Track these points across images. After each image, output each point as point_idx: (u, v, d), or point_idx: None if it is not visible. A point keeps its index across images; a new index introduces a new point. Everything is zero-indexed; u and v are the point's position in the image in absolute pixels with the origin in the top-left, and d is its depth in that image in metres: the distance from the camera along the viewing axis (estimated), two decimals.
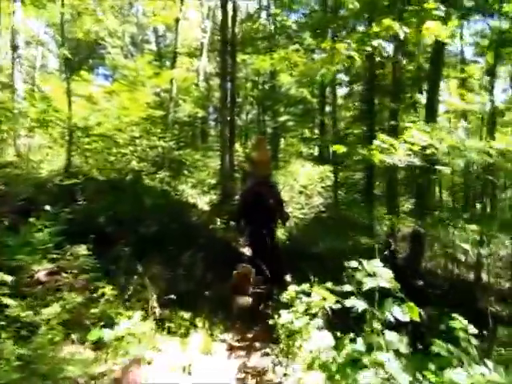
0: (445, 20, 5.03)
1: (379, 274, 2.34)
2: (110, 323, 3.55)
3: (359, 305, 2.30)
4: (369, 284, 2.29)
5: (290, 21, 19.92)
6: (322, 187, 12.15)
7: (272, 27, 21.72)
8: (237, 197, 7.85)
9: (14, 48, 11.05)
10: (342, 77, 15.35)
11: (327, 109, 20.09)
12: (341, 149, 5.61)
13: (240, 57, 23.40)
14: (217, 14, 20.80)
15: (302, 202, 11.66)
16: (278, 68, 22.45)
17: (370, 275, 2.35)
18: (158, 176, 11.23)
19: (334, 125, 11.74)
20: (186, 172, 12.85)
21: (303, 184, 12.07)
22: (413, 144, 4.89)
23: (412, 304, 2.27)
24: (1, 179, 6.72)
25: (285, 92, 22.51)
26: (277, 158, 22.44)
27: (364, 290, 2.35)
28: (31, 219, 4.87)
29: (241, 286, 5.68)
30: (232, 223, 8.46)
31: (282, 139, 25.50)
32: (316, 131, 25.03)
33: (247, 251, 7.91)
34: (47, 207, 5.19)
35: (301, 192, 11.91)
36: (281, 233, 8.31)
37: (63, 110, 8.25)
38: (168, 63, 18.57)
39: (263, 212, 6.39)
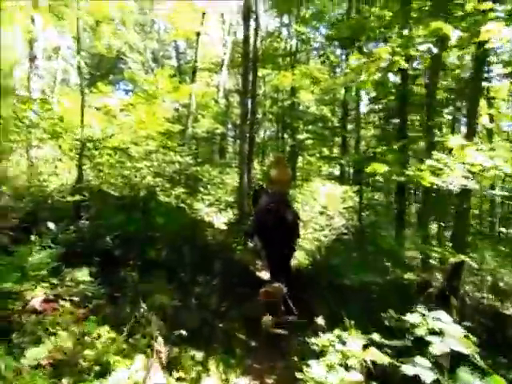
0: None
1: (448, 332, 1.79)
2: (107, 369, 3.02)
3: (427, 375, 1.73)
4: (438, 348, 1.73)
5: (312, 35, 19.69)
6: (345, 208, 11.55)
7: (294, 43, 21.49)
8: (252, 216, 7.19)
9: (32, 59, 10.86)
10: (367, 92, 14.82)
11: (349, 126, 19.56)
12: (380, 168, 5.04)
13: (261, 71, 23.23)
14: (238, 30, 20.60)
15: (322, 222, 11.07)
16: (298, 85, 22.25)
17: (434, 333, 1.80)
18: (173, 192, 10.81)
19: (357, 143, 11.14)
20: (202, 189, 12.42)
21: (324, 204, 11.49)
22: (472, 165, 4.31)
23: (499, 378, 1.68)
24: (7, 191, 6.32)
25: (304, 109, 22.14)
26: (295, 177, 22.02)
27: (427, 349, 1.79)
28: (32, 237, 4.43)
29: (271, 304, 5.18)
30: (250, 244, 7.96)
31: (301, 157, 24.98)
32: (336, 150, 24.65)
33: (264, 275, 7.37)
34: (50, 224, 4.74)
35: (321, 212, 11.33)
36: (303, 256, 7.75)
37: (77, 123, 7.92)
38: (188, 79, 18.36)
39: (284, 232, 6.00)
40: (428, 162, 4.72)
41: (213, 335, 4.31)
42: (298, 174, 23.31)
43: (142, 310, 3.70)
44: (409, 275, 4.61)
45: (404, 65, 5.43)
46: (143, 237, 5.19)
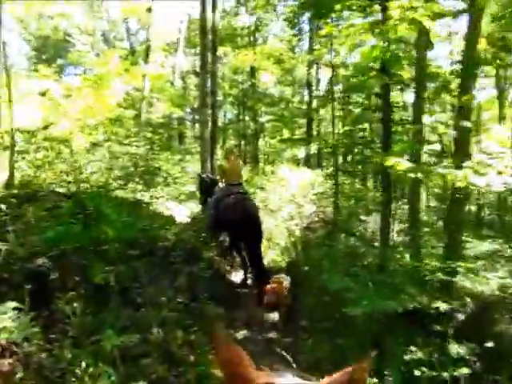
0: None
1: None
2: None
3: None
4: None
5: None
6: (315, 195, 10.91)
7: (253, 20, 20.49)
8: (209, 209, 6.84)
9: None
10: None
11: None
12: (401, 166, 4.25)
13: (220, 51, 22.16)
14: (194, 7, 19.37)
15: (292, 211, 10.38)
16: (258, 65, 21.35)
17: None
18: (128, 187, 9.85)
19: (332, 124, 10.40)
20: (161, 180, 11.46)
21: (292, 191, 10.81)
22: None
23: None
24: None
25: (265, 91, 21.29)
26: (258, 161, 21.28)
27: None
28: None
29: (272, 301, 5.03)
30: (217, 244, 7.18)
31: (263, 141, 24.24)
32: (298, 132, 24.01)
33: (238, 279, 6.57)
34: None
35: (290, 200, 10.65)
36: (276, 253, 7.00)
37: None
38: (141, 61, 17.10)
39: (255, 226, 6.14)
40: (475, 157, 4.04)
41: None
42: (260, 157, 22.61)
43: (84, 362, 2.73)
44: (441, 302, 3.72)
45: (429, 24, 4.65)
46: (88, 253, 4.18)
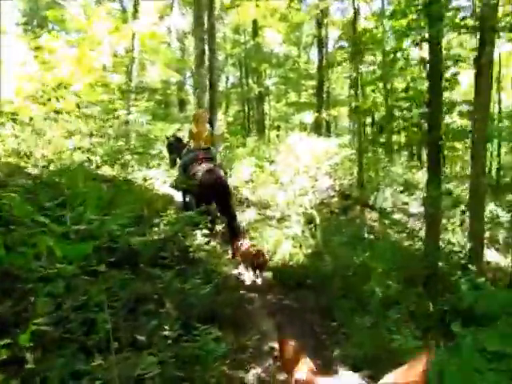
0: None
1: None
2: None
3: None
4: None
5: None
6: (331, 166, 9.64)
7: None
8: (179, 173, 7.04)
9: None
10: None
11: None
12: None
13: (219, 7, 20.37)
14: None
15: (305, 184, 9.12)
16: (261, 23, 19.62)
17: None
18: (118, 161, 8.61)
19: (355, 87, 8.91)
20: (155, 152, 10.23)
21: (305, 162, 9.52)
22: None
23: None
24: None
25: (270, 51, 19.60)
26: (263, 128, 19.85)
27: None
28: None
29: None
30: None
31: (269, 106, 22.71)
32: (305, 96, 22.46)
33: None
34: None
35: (303, 172, 9.38)
36: (292, 245, 5.71)
37: None
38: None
39: (224, 193, 6.34)
40: None
41: None
42: (266, 123, 21.16)
43: None
44: None
45: None
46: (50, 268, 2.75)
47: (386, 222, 8.01)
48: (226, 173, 7.02)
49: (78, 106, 7.57)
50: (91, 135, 7.34)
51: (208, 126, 7.28)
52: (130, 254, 3.88)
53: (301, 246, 5.65)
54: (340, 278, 4.84)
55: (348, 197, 10.42)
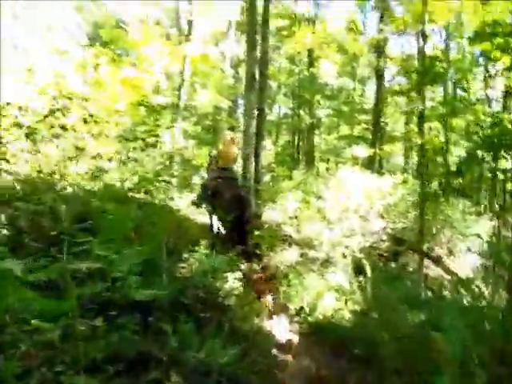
0: None
1: None
2: None
3: None
4: None
5: None
6: (384, 206, 8.76)
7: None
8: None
9: None
10: None
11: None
12: None
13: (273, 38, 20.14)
14: None
15: (354, 225, 8.29)
16: (317, 53, 19.20)
17: None
18: (156, 185, 8.13)
19: (420, 120, 8.10)
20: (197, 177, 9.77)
21: (356, 200, 8.70)
22: None
23: None
24: None
25: (324, 82, 19.03)
26: (312, 160, 19.15)
27: None
28: None
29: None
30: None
31: (319, 138, 22.01)
32: (357, 129, 21.68)
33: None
34: None
35: (355, 211, 8.55)
36: (336, 298, 4.91)
37: None
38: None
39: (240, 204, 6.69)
40: None
41: None
42: (315, 155, 20.43)
43: None
44: None
45: None
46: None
47: (449, 276, 7.01)
48: (248, 191, 7.41)
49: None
50: (127, 157, 6.91)
51: (236, 148, 7.40)
52: (139, 303, 3.22)
53: (346, 301, 4.82)
54: (393, 347, 3.97)
55: (401, 241, 9.49)
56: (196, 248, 5.60)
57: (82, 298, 2.77)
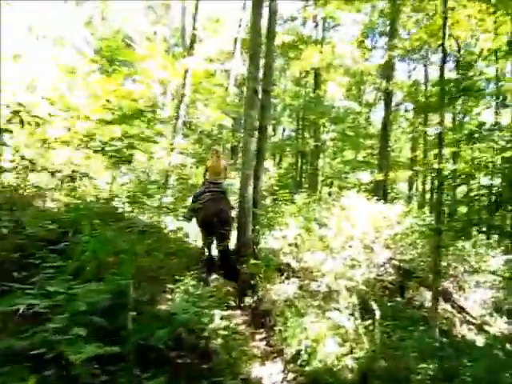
0: None
1: None
2: None
3: None
4: None
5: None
6: (391, 236, 8.17)
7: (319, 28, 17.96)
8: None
9: None
10: None
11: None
12: None
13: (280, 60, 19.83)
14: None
15: (358, 256, 7.67)
16: (324, 76, 18.81)
17: None
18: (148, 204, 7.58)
19: (439, 142, 7.45)
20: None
21: (362, 229, 8.09)
22: None
23: None
24: None
25: (331, 104, 18.53)
26: (315, 184, 18.57)
27: None
28: None
29: None
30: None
31: (323, 161, 21.45)
32: (361, 154, 21.20)
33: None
34: None
35: (360, 241, 7.95)
36: (339, 343, 4.21)
37: None
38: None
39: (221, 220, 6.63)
40: None
41: None
42: (319, 179, 19.83)
43: None
44: None
45: None
46: None
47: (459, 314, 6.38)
48: (231, 206, 7.24)
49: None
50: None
51: (223, 162, 7.45)
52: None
53: (352, 349, 4.15)
54: None
55: (408, 274, 8.89)
56: (182, 277, 5.01)
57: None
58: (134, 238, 5.23)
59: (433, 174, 14.09)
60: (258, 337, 4.88)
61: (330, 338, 4.28)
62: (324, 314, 5.36)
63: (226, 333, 4.11)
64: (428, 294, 8.78)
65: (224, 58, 17.39)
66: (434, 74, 19.09)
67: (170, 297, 4.87)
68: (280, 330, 4.68)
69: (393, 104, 17.30)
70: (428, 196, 21.52)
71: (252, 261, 6.30)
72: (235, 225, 7.51)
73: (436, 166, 5.91)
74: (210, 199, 6.74)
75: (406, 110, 21.50)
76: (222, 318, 4.20)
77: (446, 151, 10.60)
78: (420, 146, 21.35)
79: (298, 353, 4.25)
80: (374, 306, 5.46)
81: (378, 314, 4.64)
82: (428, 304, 8.48)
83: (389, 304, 6.70)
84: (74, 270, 3.79)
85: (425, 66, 19.72)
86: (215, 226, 6.51)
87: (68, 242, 4.84)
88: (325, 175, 21.30)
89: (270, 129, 22.92)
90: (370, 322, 4.58)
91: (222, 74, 17.28)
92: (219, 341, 4.02)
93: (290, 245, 7.69)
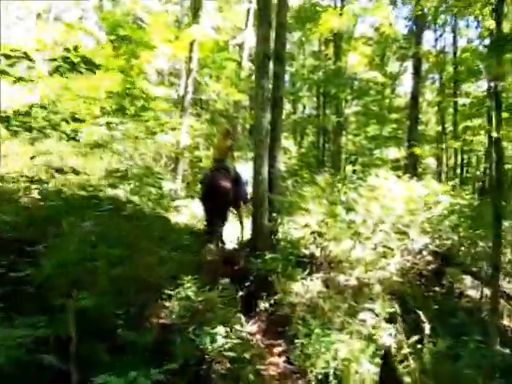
0: None
1: None
2: None
3: None
4: None
5: None
6: (429, 220, 7.16)
7: None
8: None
9: None
10: None
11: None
12: None
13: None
14: None
15: (392, 242, 6.70)
16: (344, 47, 17.53)
17: None
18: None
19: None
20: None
21: (396, 212, 7.10)
22: None
23: None
24: None
25: (352, 75, 17.21)
26: (339, 162, 17.48)
27: None
28: None
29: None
30: None
31: (346, 138, 20.25)
32: (387, 130, 19.93)
33: None
34: None
35: (392, 225, 6.98)
36: (368, 355, 3.29)
37: None
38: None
39: (216, 199, 6.60)
40: None
41: None
42: (342, 157, 18.71)
43: None
44: None
45: None
46: None
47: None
48: (226, 179, 6.93)
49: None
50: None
51: (229, 140, 7.36)
52: None
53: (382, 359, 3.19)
54: None
55: (447, 260, 7.87)
56: (182, 281, 4.17)
57: None
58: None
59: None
60: (275, 350, 4.01)
61: (364, 357, 3.36)
62: (356, 317, 4.46)
63: (233, 354, 3.25)
64: (469, 281, 7.84)
65: (236, 32, 16.29)
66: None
67: (167, 304, 4.05)
68: (302, 344, 3.78)
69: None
70: (458, 172, 20.21)
71: (268, 255, 5.41)
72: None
73: (494, 134, 4.82)
74: (210, 175, 6.86)
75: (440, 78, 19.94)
76: (226, 335, 3.34)
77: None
78: (449, 118, 19.92)
79: (325, 377, 3.35)
80: (423, 317, 4.44)
81: (427, 328, 3.67)
82: (469, 292, 7.57)
83: (425, 294, 5.78)
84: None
85: (453, 32, 18.23)
86: (212, 199, 6.56)
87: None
88: (348, 153, 20.19)
89: (288, 106, 21.86)
90: (416, 337, 3.61)
91: (235, 48, 16.19)
92: (224, 365, 3.17)
93: (312, 233, 6.78)
